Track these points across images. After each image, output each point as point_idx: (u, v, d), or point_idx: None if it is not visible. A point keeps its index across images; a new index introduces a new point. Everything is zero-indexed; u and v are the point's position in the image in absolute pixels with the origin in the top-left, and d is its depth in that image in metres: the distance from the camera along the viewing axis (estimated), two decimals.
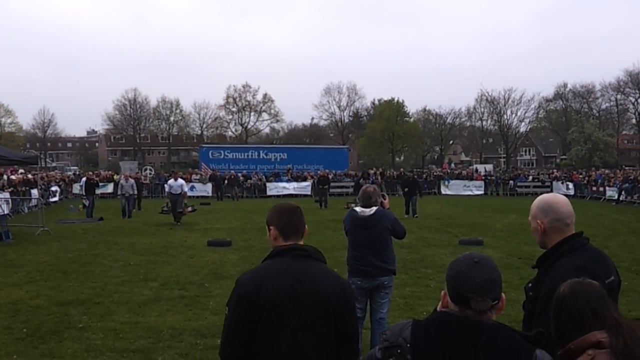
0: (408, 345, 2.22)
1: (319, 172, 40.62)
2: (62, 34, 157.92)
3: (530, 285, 3.19)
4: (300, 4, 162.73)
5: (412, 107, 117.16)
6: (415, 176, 33.17)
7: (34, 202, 29.59)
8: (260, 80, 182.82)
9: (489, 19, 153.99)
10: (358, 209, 6.81)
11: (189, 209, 23.88)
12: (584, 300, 2.25)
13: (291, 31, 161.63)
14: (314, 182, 40.77)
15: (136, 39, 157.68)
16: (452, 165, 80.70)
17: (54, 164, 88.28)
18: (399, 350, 2.22)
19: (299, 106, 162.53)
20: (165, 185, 24.63)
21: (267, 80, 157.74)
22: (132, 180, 27.03)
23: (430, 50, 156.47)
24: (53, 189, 36.70)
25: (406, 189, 26.49)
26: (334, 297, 3.01)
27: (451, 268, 2.32)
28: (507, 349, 2.14)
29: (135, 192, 27.19)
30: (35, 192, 29.58)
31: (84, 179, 30.72)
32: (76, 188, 37.74)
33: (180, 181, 23.66)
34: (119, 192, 27.18)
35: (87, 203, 26.53)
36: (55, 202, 35.73)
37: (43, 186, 32.70)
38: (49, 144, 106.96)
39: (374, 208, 6.72)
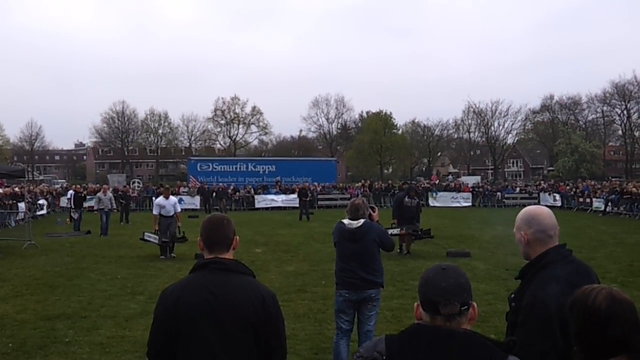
0: (384, 357, 2.27)
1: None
2: (50, 46, 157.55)
3: (513, 296, 3.22)
4: (290, 18, 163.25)
5: (400, 119, 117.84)
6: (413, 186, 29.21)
7: (21, 215, 29.48)
8: (248, 93, 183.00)
9: (477, 32, 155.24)
10: (346, 221, 6.81)
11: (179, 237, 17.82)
12: (620, 326, 2.24)
13: (280, 44, 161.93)
14: None
15: (125, 51, 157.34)
16: (450, 177, 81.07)
17: (41, 177, 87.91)
18: None
19: (287, 118, 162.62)
20: (154, 205, 18.30)
21: (256, 93, 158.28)
22: (110, 194, 26.44)
23: (418, 63, 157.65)
24: (40, 202, 36.57)
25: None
26: (251, 309, 3.03)
27: (421, 277, 2.40)
28: (479, 356, 2.18)
29: (114, 206, 26.45)
30: (22, 205, 29.43)
31: (70, 191, 30.58)
32: (63, 201, 37.61)
33: (173, 199, 18.11)
34: (97, 207, 25.27)
35: (75, 216, 26.42)
36: (42, 215, 35.60)
37: (30, 199, 32.51)
38: (36, 157, 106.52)
39: (362, 220, 6.73)
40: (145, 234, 17.71)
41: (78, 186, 34.38)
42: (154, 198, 41.91)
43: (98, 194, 26.25)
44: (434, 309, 2.26)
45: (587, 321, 2.30)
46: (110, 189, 30.85)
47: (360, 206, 6.84)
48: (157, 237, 17.38)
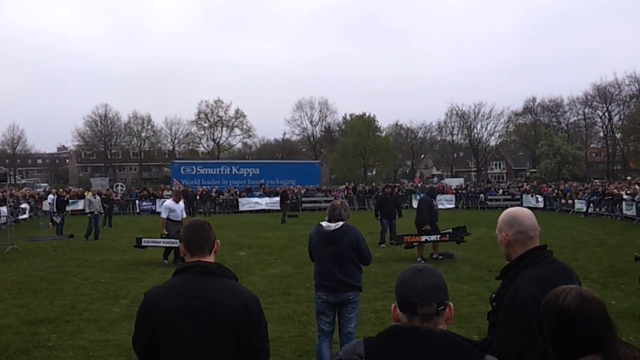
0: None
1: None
2: (33, 47, 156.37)
3: (494, 296, 3.26)
4: (276, 22, 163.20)
5: (384, 122, 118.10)
6: (395, 191, 27.28)
7: (2, 219, 29.18)
8: (232, 96, 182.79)
9: (462, 36, 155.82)
10: (324, 223, 6.79)
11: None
12: (591, 324, 2.27)
13: (264, 48, 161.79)
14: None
15: (108, 54, 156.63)
16: (435, 179, 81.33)
17: (23, 181, 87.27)
18: None
19: (270, 121, 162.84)
20: (163, 208, 17.12)
21: (239, 96, 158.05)
22: (99, 197, 26.12)
23: (402, 66, 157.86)
24: (22, 206, 36.27)
25: (379, 211, 21.03)
26: (233, 312, 3.05)
27: (398, 279, 2.42)
28: (458, 354, 2.21)
29: (101, 209, 25.65)
30: (4, 209, 29.18)
31: (50, 195, 30.33)
32: (46, 205, 37.36)
33: (182, 204, 17.22)
34: (88, 210, 24.21)
35: (57, 220, 26.23)
36: (24, 219, 35.31)
37: (12, 203, 32.27)
38: (18, 161, 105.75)
39: (340, 223, 6.71)
40: (143, 240, 16.95)
41: (61, 190, 34.17)
42: (137, 202, 42.19)
43: (88, 197, 25.41)
44: (412, 310, 2.29)
45: (558, 321, 2.34)
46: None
47: (337, 207, 6.81)
48: (167, 241, 16.37)
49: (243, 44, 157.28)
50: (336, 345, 7.07)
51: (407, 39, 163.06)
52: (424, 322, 2.28)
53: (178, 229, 15.72)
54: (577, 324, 2.28)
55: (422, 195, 21.64)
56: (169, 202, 17.08)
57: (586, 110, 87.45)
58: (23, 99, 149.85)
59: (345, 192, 45.36)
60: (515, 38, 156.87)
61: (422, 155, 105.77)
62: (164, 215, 16.67)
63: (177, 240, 15.09)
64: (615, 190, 34.50)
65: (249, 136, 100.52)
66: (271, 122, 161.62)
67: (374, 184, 54.07)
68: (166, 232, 16.42)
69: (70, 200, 35.96)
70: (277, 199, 39.90)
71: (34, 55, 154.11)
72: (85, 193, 42.20)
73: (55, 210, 26.91)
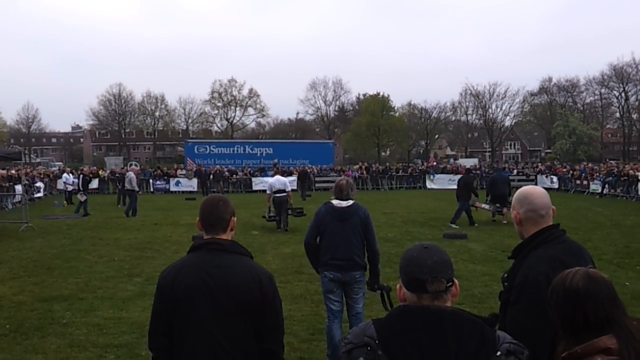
0: (376, 342, 2.22)
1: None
2: (48, 27, 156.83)
3: (506, 275, 3.24)
4: (295, 2, 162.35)
5: (398, 101, 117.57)
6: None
7: (17, 198, 29.38)
8: (245, 75, 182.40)
9: (477, 17, 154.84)
10: (335, 201, 6.74)
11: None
12: (599, 304, 2.25)
13: (282, 28, 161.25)
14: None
15: (125, 33, 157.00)
16: (452, 160, 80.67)
17: (38, 160, 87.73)
18: (368, 348, 2.21)
19: (284, 101, 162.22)
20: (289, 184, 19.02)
21: (253, 75, 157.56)
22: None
23: (420, 46, 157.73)
24: (37, 184, 36.44)
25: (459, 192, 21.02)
26: (247, 290, 3.04)
27: (403, 258, 2.39)
28: (472, 330, 2.18)
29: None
30: (19, 187, 29.31)
31: (65, 174, 30.22)
32: (60, 184, 37.42)
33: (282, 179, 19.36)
34: (137, 188, 24.43)
35: (82, 199, 26.06)
36: (39, 198, 35.52)
37: (27, 182, 32.43)
38: (33, 140, 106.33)
39: (351, 201, 6.70)
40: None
41: (85, 169, 34.24)
42: (151, 181, 42.32)
43: (131, 174, 25.20)
44: (421, 288, 2.25)
45: (567, 302, 2.31)
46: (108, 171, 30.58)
47: (344, 186, 6.76)
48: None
49: (257, 24, 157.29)
50: (346, 324, 7.04)
51: (420, 19, 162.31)
52: (433, 299, 2.25)
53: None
54: (585, 304, 2.26)
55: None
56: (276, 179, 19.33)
57: (602, 90, 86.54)
58: (38, 78, 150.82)
59: (359, 172, 45.25)
60: (534, 19, 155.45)
61: (437, 135, 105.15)
62: (289, 189, 18.94)
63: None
64: (631, 171, 34.26)
65: (263, 116, 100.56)
66: (285, 102, 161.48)
67: (387, 164, 53.90)
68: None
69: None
70: (291, 178, 39.95)
71: (48, 33, 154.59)
72: (100, 172, 42.45)
73: (81, 188, 26.72)
